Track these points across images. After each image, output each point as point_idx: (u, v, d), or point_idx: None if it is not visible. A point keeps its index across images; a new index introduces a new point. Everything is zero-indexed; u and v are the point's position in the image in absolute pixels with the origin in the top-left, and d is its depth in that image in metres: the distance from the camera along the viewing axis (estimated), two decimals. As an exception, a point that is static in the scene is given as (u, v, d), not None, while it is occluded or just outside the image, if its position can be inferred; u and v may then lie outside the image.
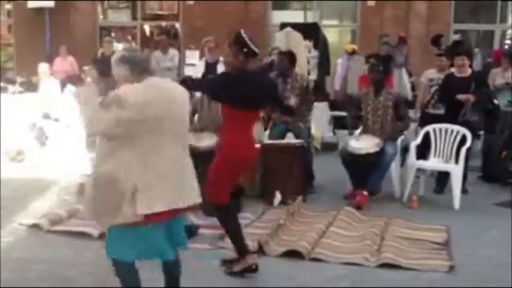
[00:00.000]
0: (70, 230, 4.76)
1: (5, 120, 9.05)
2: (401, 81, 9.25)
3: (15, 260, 4.15)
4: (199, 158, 5.91)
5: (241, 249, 3.98)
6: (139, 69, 2.96)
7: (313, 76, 10.06)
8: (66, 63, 11.23)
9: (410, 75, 9.66)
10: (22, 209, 5.37)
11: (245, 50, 3.80)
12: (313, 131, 7.33)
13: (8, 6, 14.06)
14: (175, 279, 3.25)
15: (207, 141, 5.98)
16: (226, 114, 3.94)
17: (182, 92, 3.10)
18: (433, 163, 6.16)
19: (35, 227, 4.84)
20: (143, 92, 2.84)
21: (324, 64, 10.38)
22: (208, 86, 4.30)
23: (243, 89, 3.81)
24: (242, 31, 3.87)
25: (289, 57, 6.32)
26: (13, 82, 11.44)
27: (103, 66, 10.31)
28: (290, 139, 6.29)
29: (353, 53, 10.17)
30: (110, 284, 3.40)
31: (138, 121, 2.78)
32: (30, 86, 10.56)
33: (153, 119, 2.81)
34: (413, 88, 9.36)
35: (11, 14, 13.98)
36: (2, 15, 14.35)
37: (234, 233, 4.01)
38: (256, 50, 3.85)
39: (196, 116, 6.29)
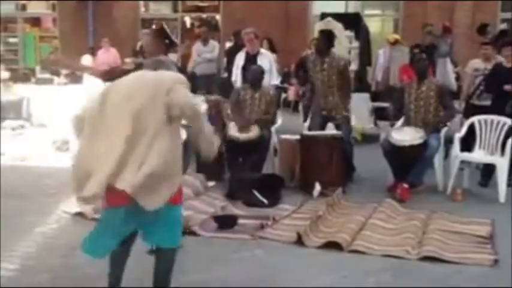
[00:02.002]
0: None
1: (51, 110, 9.33)
2: (445, 72, 9.04)
3: (61, 246, 4.26)
4: (240, 148, 6.01)
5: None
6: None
7: (354, 67, 9.97)
8: (108, 55, 11.45)
9: (455, 65, 9.43)
10: (67, 197, 5.49)
11: (167, 41, 4.02)
12: (354, 122, 7.26)
13: (53, 0, 14.41)
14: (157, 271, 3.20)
15: (248, 132, 6.01)
16: None
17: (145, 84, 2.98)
18: (478, 155, 6.01)
19: (79, 215, 4.96)
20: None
21: (366, 54, 10.25)
22: None
23: None
24: (164, 23, 4.08)
25: (327, 35, 6.27)
26: (58, 74, 11.73)
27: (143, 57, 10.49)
28: (330, 130, 6.25)
29: (395, 43, 10.00)
30: (150, 269, 3.45)
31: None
32: (74, 78, 10.81)
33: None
34: (458, 78, 9.14)
35: (56, 8, 14.31)
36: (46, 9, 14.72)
37: None
38: (176, 41, 4.05)
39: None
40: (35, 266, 3.91)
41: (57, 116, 8.95)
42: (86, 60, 9.46)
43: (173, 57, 13.43)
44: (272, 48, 9.49)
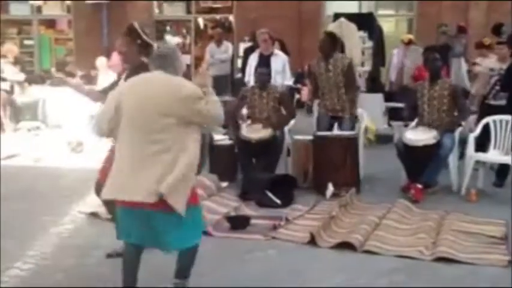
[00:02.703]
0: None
1: (66, 112, 9.41)
2: (460, 72, 8.97)
3: (75, 246, 4.31)
4: (252, 149, 6.01)
5: None
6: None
7: (368, 67, 9.92)
8: (123, 56, 11.51)
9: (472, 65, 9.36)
10: (81, 198, 5.55)
11: (139, 41, 3.89)
12: (367, 122, 7.23)
13: (68, 2, 14.53)
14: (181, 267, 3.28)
15: (260, 133, 6.02)
16: None
17: (163, 86, 3.07)
18: (493, 155, 5.96)
19: (94, 215, 5.00)
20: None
21: (379, 55, 10.20)
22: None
23: None
24: (135, 23, 3.97)
25: (331, 38, 6.28)
26: (73, 75, 11.82)
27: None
28: (336, 130, 6.23)
29: (409, 43, 9.93)
30: (163, 272, 3.48)
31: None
32: (89, 79, 10.89)
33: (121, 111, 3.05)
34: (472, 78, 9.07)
35: (71, 10, 14.43)
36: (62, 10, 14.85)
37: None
38: (149, 41, 3.93)
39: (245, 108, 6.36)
40: (50, 266, 3.95)
41: (72, 118, 9.04)
42: (101, 61, 9.51)
43: (186, 58, 13.55)
44: (284, 50, 9.49)
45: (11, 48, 10.78)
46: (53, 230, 4.66)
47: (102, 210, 5.00)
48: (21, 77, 10.29)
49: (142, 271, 3.27)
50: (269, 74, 6.48)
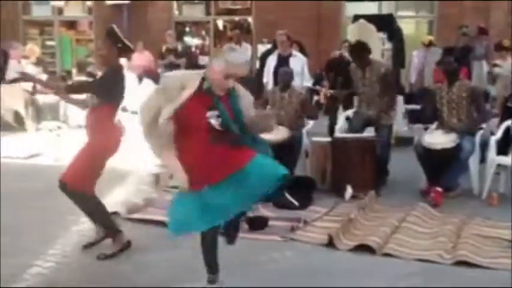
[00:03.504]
0: (147, 218, 4.93)
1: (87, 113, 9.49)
2: (481, 74, 8.89)
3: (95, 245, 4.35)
4: (272, 150, 6.00)
5: (111, 231, 4.12)
6: None
7: (388, 69, 9.84)
8: (143, 57, 11.61)
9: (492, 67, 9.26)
10: (102, 197, 5.57)
11: (119, 45, 3.94)
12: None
13: (88, 3, 14.69)
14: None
15: (279, 134, 6.01)
16: (104, 110, 4.03)
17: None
18: (515, 159, 5.88)
19: (114, 214, 5.04)
20: None
21: (399, 56, 10.15)
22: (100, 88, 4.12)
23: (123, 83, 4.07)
24: (114, 26, 3.99)
25: (361, 48, 6.21)
26: (94, 76, 11.91)
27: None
28: (369, 133, 6.20)
29: (430, 44, 9.89)
30: (187, 271, 3.51)
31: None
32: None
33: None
34: (493, 80, 8.97)
35: (92, 11, 14.59)
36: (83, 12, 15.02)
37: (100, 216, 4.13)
38: (130, 44, 4.01)
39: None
40: (71, 264, 4.00)
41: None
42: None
43: (203, 59, 13.61)
44: (302, 52, 9.49)
45: (33, 49, 10.94)
46: (74, 229, 4.71)
47: (122, 209, 5.07)
48: (43, 77, 10.43)
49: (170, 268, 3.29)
50: (292, 74, 6.47)
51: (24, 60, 10.69)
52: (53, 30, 15.08)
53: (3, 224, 4.69)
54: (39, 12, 14.99)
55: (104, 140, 4.04)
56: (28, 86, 10.09)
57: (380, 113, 6.12)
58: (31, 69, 10.18)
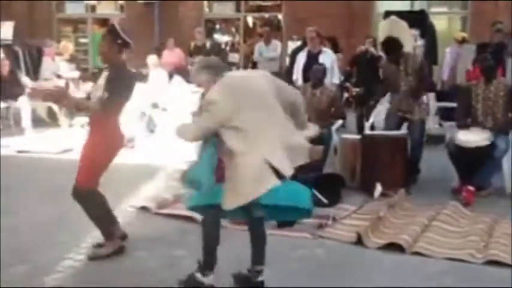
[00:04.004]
0: (175, 213, 4.98)
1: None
2: (516, 71, 8.69)
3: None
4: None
5: (108, 232, 4.05)
6: (215, 71, 3.33)
7: (419, 65, 9.72)
8: (173, 55, 11.71)
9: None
10: (132, 192, 5.69)
11: (119, 41, 3.91)
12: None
13: (120, 1, 14.88)
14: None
15: (309, 131, 5.98)
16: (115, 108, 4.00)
17: (259, 78, 3.36)
18: (550, 158, 5.75)
19: (144, 209, 5.12)
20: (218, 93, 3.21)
21: (432, 53, 10.00)
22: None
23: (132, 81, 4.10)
24: (115, 22, 4.00)
25: (392, 42, 6.11)
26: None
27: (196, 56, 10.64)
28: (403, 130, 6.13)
29: (463, 41, 9.72)
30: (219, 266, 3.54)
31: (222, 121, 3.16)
32: (141, 77, 11.10)
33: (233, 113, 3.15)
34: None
35: (124, 9, 14.78)
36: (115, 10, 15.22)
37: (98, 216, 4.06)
38: (130, 41, 3.97)
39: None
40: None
41: (123, 114, 9.24)
42: (152, 60, 9.69)
43: (233, 57, 13.66)
44: (335, 48, 9.44)
45: (67, 46, 11.15)
46: (105, 223, 4.78)
47: (151, 204, 5.14)
48: (76, 74, 10.62)
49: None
50: (324, 71, 6.43)
51: (58, 57, 10.90)
52: (86, 27, 15.34)
53: (38, 218, 4.81)
54: (72, 10, 15.26)
55: (111, 137, 4.05)
56: (62, 82, 10.29)
57: (413, 108, 6.03)
58: (64, 66, 10.38)
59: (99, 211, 4.08)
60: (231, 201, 3.22)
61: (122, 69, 4.02)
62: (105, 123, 4.00)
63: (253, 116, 3.18)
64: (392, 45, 6.06)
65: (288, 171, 3.27)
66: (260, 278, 3.48)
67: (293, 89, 3.67)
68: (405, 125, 6.13)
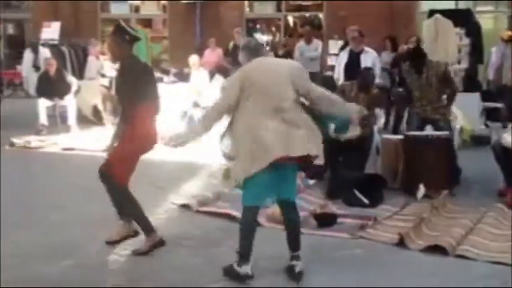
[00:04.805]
0: (217, 211, 5.03)
1: (160, 107, 9.78)
2: None
3: (168, 235, 4.46)
4: (341, 147, 5.96)
5: (146, 227, 4.07)
6: (250, 54, 3.66)
7: (465, 65, 9.56)
8: (214, 54, 11.80)
9: None
10: (174, 190, 5.78)
11: (127, 37, 4.01)
12: (463, 123, 6.98)
13: (163, 2, 15.10)
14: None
15: (350, 131, 5.93)
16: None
17: (282, 65, 3.69)
18: None
19: (186, 206, 5.19)
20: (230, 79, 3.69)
21: (477, 53, 9.79)
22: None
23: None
24: (121, 21, 4.14)
25: (417, 51, 6.15)
26: (167, 72, 12.27)
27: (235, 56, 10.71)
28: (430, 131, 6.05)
29: (509, 40, 9.46)
30: (257, 262, 3.56)
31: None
32: (182, 77, 11.25)
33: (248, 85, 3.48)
34: None
35: (166, 9, 14.99)
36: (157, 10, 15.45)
37: (135, 211, 4.09)
38: (137, 35, 4.09)
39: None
40: (144, 253, 4.13)
41: (165, 112, 9.37)
42: (193, 59, 9.80)
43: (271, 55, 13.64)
44: (394, 47, 9.33)
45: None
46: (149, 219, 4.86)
47: (193, 202, 5.20)
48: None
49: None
50: (373, 76, 6.36)
51: (102, 56, 11.14)
52: (130, 28, 15.61)
53: (84, 214, 4.93)
54: (117, 10, 15.56)
55: (143, 135, 4.10)
56: (105, 81, 10.51)
57: (438, 111, 5.99)
58: (108, 65, 10.59)
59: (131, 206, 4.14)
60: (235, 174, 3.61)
61: (135, 61, 4.12)
62: (133, 117, 4.03)
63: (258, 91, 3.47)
64: (418, 52, 6.08)
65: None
66: (295, 263, 3.63)
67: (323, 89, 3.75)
68: (428, 127, 6.07)
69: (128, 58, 4.09)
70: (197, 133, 3.77)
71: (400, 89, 8.40)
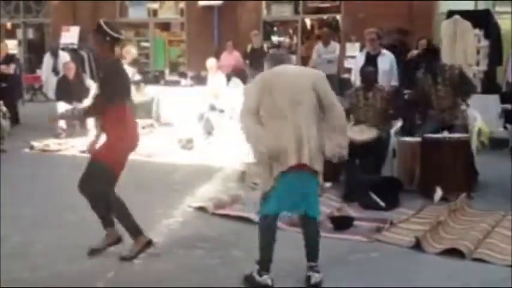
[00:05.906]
0: (232, 213, 5.04)
1: (178, 110, 9.85)
2: None
3: (184, 237, 4.51)
4: (357, 150, 5.93)
5: (135, 229, 4.04)
6: (272, 63, 3.71)
7: (484, 67, 9.45)
8: (231, 57, 11.83)
9: None
10: (191, 193, 5.81)
11: (107, 38, 3.96)
12: (481, 125, 6.86)
13: (181, 5, 15.18)
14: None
15: (365, 134, 5.93)
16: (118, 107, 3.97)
17: (300, 71, 3.77)
18: None
19: (202, 209, 5.21)
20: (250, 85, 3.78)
21: (496, 54, 9.67)
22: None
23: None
24: (102, 20, 4.04)
25: (428, 52, 6.13)
26: (185, 76, 12.34)
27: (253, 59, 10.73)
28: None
29: (529, 41, 9.33)
30: (273, 267, 3.56)
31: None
32: (200, 80, 11.30)
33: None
34: None
35: (183, 13, 15.06)
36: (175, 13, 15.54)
37: (123, 215, 4.05)
38: (119, 35, 4.03)
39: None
40: (161, 254, 4.16)
41: (183, 116, 9.45)
42: (210, 63, 9.85)
43: (292, 59, 13.63)
44: (429, 49, 9.25)
45: (131, 50, 11.44)
46: (164, 222, 4.90)
47: (209, 205, 5.22)
48: (138, 77, 10.90)
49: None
50: (374, 73, 6.36)
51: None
52: (148, 31, 15.73)
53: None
54: (135, 14, 15.68)
55: (123, 137, 4.03)
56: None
57: (454, 113, 5.98)
58: (127, 69, 10.66)
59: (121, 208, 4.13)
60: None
61: (114, 64, 4.10)
62: (108, 120, 3.99)
63: (276, 103, 3.49)
64: (433, 54, 6.08)
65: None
66: (311, 273, 3.58)
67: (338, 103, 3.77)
68: (445, 132, 6.02)
69: (109, 61, 4.07)
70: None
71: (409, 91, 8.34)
